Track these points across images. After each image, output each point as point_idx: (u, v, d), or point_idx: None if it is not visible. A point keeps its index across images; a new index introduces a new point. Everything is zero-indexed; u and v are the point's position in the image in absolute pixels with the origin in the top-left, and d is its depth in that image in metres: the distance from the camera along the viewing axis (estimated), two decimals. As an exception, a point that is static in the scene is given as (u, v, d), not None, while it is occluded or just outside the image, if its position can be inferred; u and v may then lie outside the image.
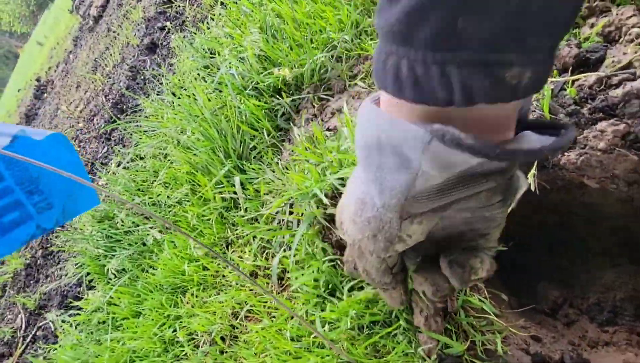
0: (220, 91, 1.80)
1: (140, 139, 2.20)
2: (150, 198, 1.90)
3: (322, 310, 1.04)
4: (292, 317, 1.11)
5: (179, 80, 2.25)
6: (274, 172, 1.49)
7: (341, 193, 1.14)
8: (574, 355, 0.84)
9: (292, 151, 1.48)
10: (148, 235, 1.78)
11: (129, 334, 1.64)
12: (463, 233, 0.53)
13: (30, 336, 2.49)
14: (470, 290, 0.93)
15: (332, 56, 1.53)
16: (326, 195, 1.17)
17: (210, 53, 2.05)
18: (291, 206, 1.31)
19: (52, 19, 13.14)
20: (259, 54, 1.69)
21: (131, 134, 2.48)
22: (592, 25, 0.92)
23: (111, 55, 3.60)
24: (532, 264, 1.12)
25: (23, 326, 2.61)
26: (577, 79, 0.85)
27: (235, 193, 1.51)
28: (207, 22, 2.30)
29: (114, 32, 3.95)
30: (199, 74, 2.01)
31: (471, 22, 0.30)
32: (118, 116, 2.73)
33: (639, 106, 0.74)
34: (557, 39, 0.34)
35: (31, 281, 2.80)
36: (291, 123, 1.61)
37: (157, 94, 2.49)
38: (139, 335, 1.57)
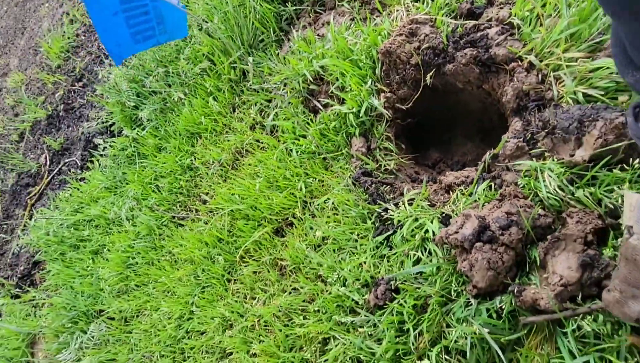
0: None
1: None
2: (174, 69, 2.46)
3: (298, 144, 1.71)
4: (277, 148, 1.78)
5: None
6: (275, 59, 2.08)
7: (322, 77, 1.77)
8: (430, 176, 1.56)
9: (291, 46, 2.07)
10: (172, 95, 2.37)
11: (154, 162, 2.29)
12: None
13: (57, 170, 3.10)
14: (385, 140, 1.61)
15: (330, -20, 2.06)
16: (313, 76, 1.80)
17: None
18: (285, 83, 1.93)
19: None
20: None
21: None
22: (485, -8, 1.53)
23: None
24: (427, 135, 1.82)
25: (48, 162, 3.21)
26: (465, 24, 1.47)
27: (245, 70, 2.10)
28: None
29: None
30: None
31: None
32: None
33: (485, 43, 1.38)
34: None
35: (53, 129, 3.34)
36: (292, 27, 2.17)
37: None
38: (161, 161, 2.23)
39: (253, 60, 2.09)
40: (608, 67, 1.13)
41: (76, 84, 3.34)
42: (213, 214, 1.91)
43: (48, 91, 3.56)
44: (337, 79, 1.67)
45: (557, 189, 1.09)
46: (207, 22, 2.27)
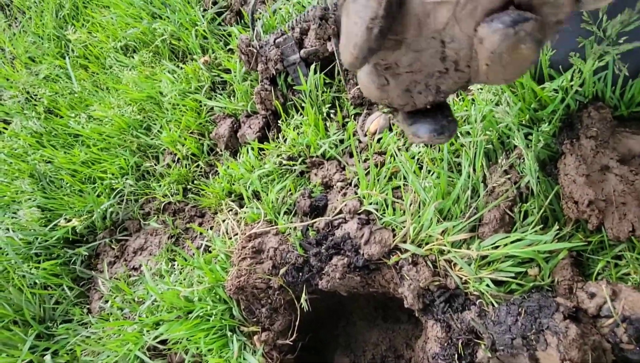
0: (-2, 251, 1.66)
1: None
2: None
3: None
4: None
5: None
6: (87, 328, 1.50)
7: (162, 350, 1.28)
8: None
9: (102, 296, 1.52)
10: None
11: None
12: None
13: None
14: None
15: (122, 200, 1.62)
16: (148, 348, 1.28)
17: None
18: (115, 364, 1.36)
19: None
20: (37, 206, 1.65)
21: None
22: (315, 175, 1.30)
23: None
24: (329, 341, 1.47)
25: None
26: (314, 223, 1.20)
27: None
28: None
29: None
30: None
31: None
32: None
33: (351, 245, 1.12)
34: None
35: None
36: (92, 270, 1.62)
37: None
38: None
39: (54, 346, 1.46)
40: (498, 245, 0.97)
41: None
42: None
43: None
44: (187, 348, 1.20)
45: None
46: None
